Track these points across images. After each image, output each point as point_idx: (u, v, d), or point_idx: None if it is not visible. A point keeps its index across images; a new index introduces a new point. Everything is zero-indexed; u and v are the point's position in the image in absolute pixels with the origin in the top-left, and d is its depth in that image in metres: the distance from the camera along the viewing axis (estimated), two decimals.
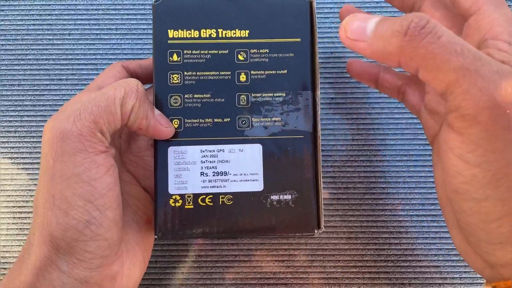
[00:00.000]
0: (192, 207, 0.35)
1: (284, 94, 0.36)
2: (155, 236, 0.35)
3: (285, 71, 0.36)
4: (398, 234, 0.45)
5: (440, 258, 0.44)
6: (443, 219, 0.44)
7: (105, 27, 0.47)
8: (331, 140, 0.46)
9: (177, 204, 0.35)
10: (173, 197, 0.35)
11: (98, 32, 0.47)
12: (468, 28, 0.30)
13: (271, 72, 0.36)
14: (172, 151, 0.35)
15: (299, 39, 0.36)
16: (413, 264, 0.44)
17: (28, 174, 0.46)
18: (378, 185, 0.45)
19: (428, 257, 0.44)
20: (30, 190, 0.45)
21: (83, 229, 0.31)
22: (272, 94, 0.36)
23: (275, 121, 0.36)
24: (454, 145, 0.27)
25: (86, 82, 0.47)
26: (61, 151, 0.30)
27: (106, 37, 0.47)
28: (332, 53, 0.47)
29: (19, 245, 0.45)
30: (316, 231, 0.35)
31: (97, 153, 0.31)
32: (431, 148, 0.45)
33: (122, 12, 0.48)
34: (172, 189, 0.35)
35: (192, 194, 0.35)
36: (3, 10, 0.47)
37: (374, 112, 0.46)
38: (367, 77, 0.40)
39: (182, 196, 0.35)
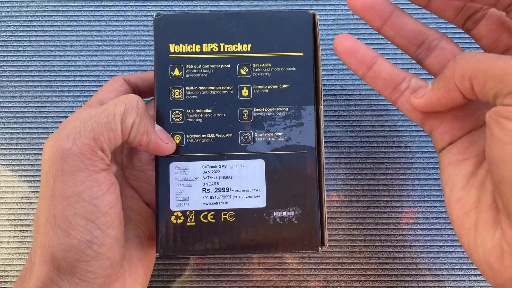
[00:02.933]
0: (194, 223, 0.35)
1: (287, 109, 0.36)
2: (157, 254, 0.34)
3: (288, 85, 0.36)
4: (402, 248, 0.44)
5: (444, 273, 0.44)
6: (448, 233, 0.44)
7: (107, 38, 0.47)
8: (334, 153, 0.46)
9: (179, 221, 0.35)
10: (175, 213, 0.35)
11: (100, 43, 0.47)
12: None
13: (273, 86, 0.36)
14: (173, 167, 0.35)
15: (301, 53, 0.36)
16: (417, 279, 0.44)
17: (30, 186, 0.45)
18: (381, 198, 0.45)
19: (432, 271, 0.44)
20: (31, 202, 0.45)
21: (85, 249, 0.30)
22: (274, 109, 0.36)
23: (278, 136, 0.35)
24: (510, 110, 0.26)
25: (88, 94, 0.46)
26: (61, 170, 0.30)
27: (108, 48, 0.47)
28: (335, 65, 0.47)
29: (20, 258, 0.44)
30: (320, 248, 0.34)
31: (98, 171, 0.31)
32: (434, 161, 0.45)
33: (124, 24, 0.47)
34: (174, 205, 0.35)
35: (194, 210, 0.35)
36: (4, 21, 0.47)
37: (377, 125, 0.46)
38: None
39: (183, 213, 0.35)
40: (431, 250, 0.44)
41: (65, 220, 0.30)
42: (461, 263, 0.44)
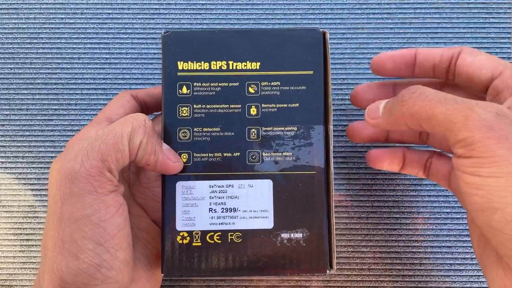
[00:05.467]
0: (200, 244, 0.34)
1: (295, 128, 0.35)
2: (162, 274, 0.34)
3: (297, 104, 0.35)
4: (412, 266, 0.44)
5: None
6: (458, 251, 0.43)
7: (115, 51, 0.47)
8: (344, 168, 0.45)
9: (185, 241, 0.34)
10: (181, 233, 0.34)
11: (107, 56, 0.47)
12: (494, 91, 0.33)
13: (282, 105, 0.35)
14: (180, 186, 0.35)
15: (311, 72, 0.35)
16: None
17: (36, 200, 0.45)
18: (391, 215, 0.44)
19: None
20: (37, 216, 0.45)
21: (94, 273, 0.30)
22: (283, 128, 0.35)
23: (286, 156, 0.35)
24: (466, 164, 0.28)
25: (96, 107, 0.46)
26: (69, 193, 0.30)
27: (116, 61, 0.47)
28: (343, 79, 0.46)
29: (25, 273, 0.44)
30: (328, 271, 0.34)
31: (106, 193, 0.31)
32: None
33: (132, 37, 0.47)
34: (180, 225, 0.34)
35: (200, 231, 0.34)
36: (12, 33, 0.47)
37: None
38: (391, 162, 0.41)
39: (189, 233, 0.34)
40: (441, 268, 0.44)
41: (74, 243, 0.30)
42: (472, 281, 0.43)
